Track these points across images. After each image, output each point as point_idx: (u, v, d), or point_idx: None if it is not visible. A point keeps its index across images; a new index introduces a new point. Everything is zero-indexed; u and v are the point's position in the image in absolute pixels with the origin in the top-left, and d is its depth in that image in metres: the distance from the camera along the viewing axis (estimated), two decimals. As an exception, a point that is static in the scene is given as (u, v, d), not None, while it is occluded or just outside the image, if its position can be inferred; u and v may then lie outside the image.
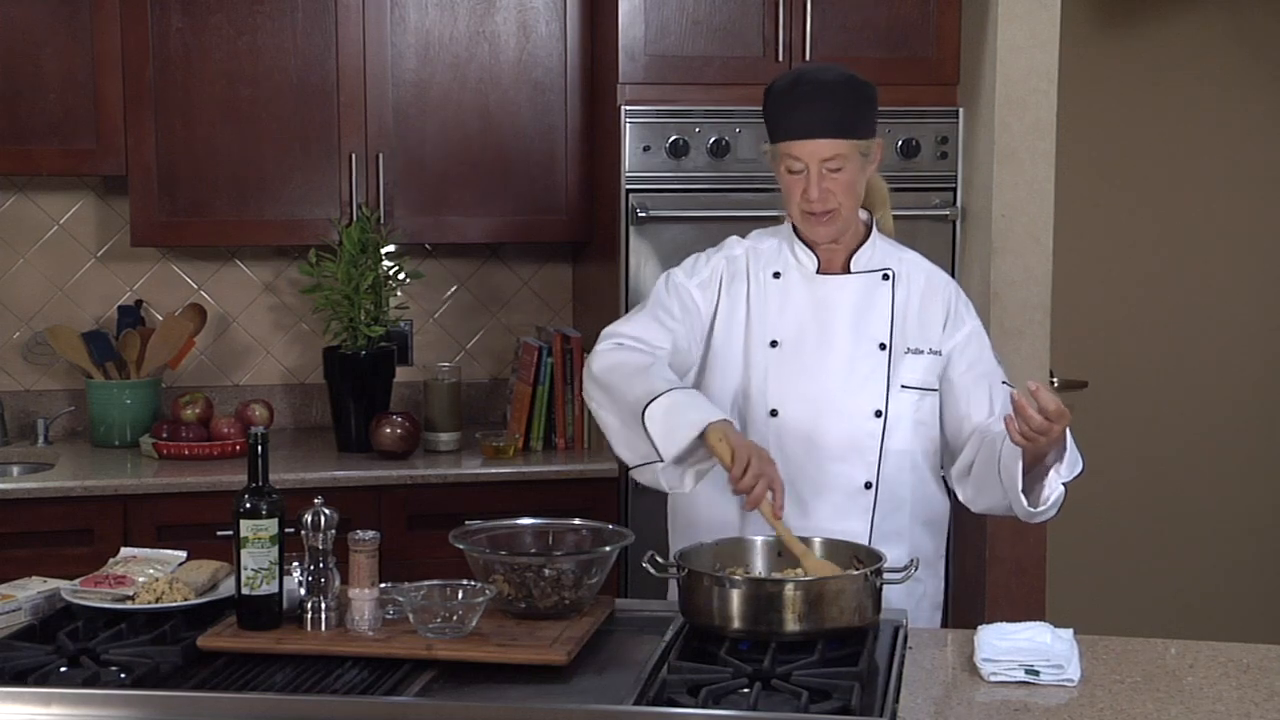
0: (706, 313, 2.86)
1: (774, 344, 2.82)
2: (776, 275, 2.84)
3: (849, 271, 2.84)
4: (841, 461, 2.80)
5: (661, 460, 2.63)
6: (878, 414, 2.80)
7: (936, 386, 2.85)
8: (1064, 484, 2.63)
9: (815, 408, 2.80)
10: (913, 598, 2.76)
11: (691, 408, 2.62)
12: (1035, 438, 2.50)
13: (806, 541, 2.61)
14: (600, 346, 2.81)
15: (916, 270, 2.88)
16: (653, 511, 3.73)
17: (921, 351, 2.83)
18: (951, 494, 2.94)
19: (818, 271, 2.83)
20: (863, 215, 2.86)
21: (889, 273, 2.84)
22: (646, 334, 2.81)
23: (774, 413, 2.80)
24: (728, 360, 2.85)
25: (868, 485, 2.81)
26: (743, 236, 2.94)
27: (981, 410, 2.82)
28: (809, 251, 2.84)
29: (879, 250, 2.86)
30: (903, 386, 2.82)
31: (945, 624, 2.97)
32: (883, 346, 2.81)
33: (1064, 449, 2.59)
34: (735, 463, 2.53)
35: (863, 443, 2.80)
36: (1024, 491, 2.61)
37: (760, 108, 3.91)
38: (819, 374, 2.80)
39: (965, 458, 2.81)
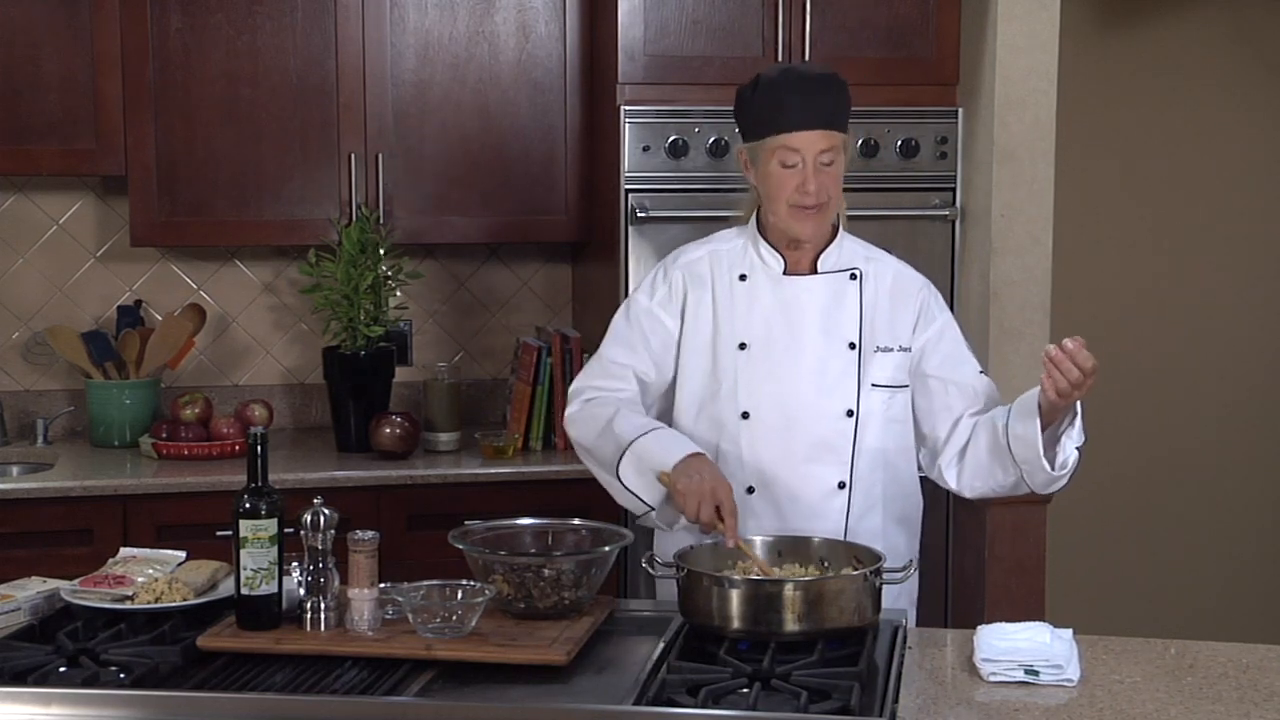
0: (674, 328, 2.88)
1: (742, 346, 2.82)
2: (743, 277, 2.85)
3: (816, 272, 2.84)
4: (815, 462, 2.81)
5: (653, 509, 2.76)
6: (849, 414, 2.81)
7: (907, 383, 2.86)
8: (1076, 448, 2.65)
9: (786, 409, 2.80)
10: (888, 597, 2.75)
11: (656, 454, 2.70)
12: (1069, 393, 2.51)
13: (805, 542, 2.63)
14: (569, 410, 2.91)
15: (884, 269, 2.88)
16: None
17: (891, 349, 2.84)
18: (926, 492, 2.95)
19: (784, 272, 2.84)
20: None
21: (856, 272, 2.85)
22: (606, 380, 2.89)
23: (745, 415, 2.81)
24: (696, 365, 2.86)
25: (841, 485, 2.81)
26: (701, 240, 2.95)
27: (960, 402, 2.82)
28: (775, 253, 2.84)
29: (846, 249, 2.86)
30: (873, 385, 2.82)
31: (920, 622, 2.97)
32: (852, 346, 2.82)
33: (1075, 415, 2.62)
34: (677, 500, 2.64)
35: (835, 443, 2.81)
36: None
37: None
38: (789, 375, 2.81)
39: (956, 443, 2.81)
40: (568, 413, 2.91)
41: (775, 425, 2.80)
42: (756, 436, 2.81)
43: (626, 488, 2.76)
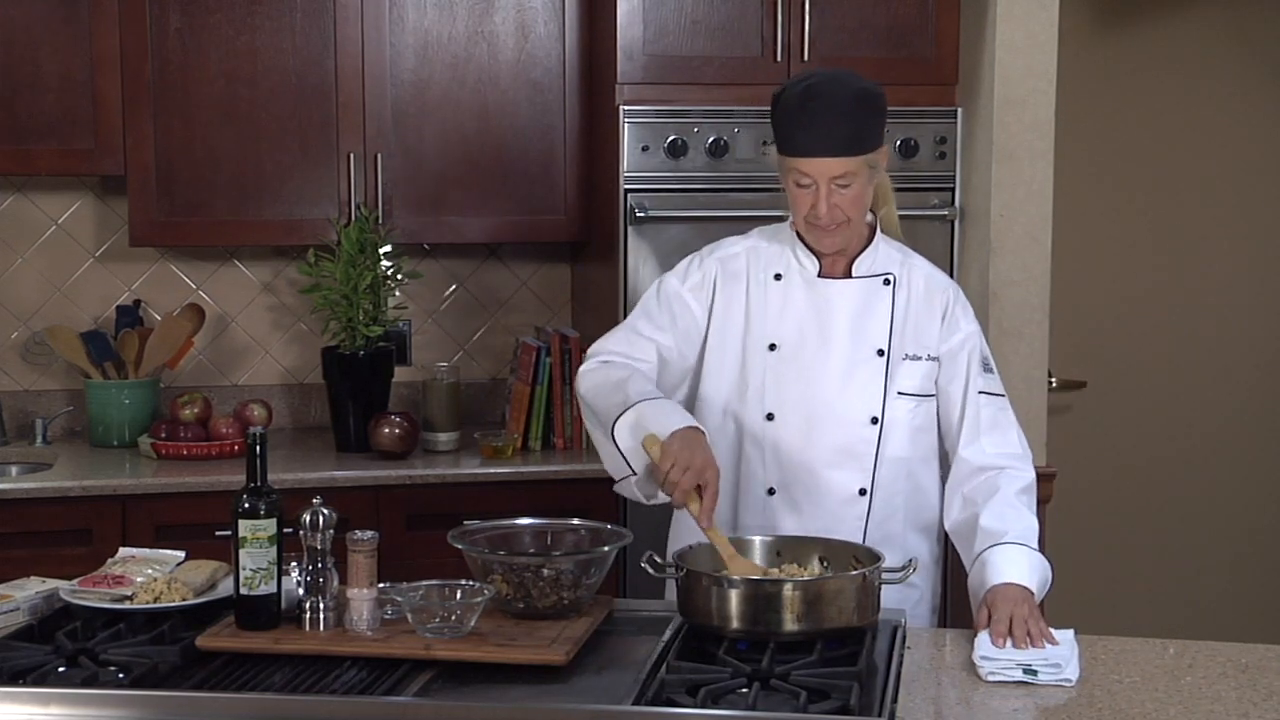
0: (700, 317, 2.86)
1: (772, 347, 2.81)
2: (778, 277, 2.83)
3: (850, 276, 2.82)
4: (836, 468, 2.79)
5: (634, 473, 2.68)
6: (874, 421, 2.79)
7: (933, 392, 2.84)
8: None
9: (811, 413, 2.79)
10: (908, 602, 2.75)
11: (657, 418, 2.62)
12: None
13: (803, 542, 2.62)
14: (584, 367, 2.85)
15: (917, 274, 2.85)
16: (651, 512, 3.72)
17: (920, 358, 2.81)
18: None
19: (819, 275, 2.82)
20: (867, 216, 2.85)
21: (890, 278, 2.83)
22: (630, 348, 2.84)
23: (770, 417, 2.80)
24: (724, 362, 2.84)
25: (862, 492, 2.80)
26: (742, 234, 2.93)
27: (954, 424, 2.82)
28: (811, 255, 2.82)
29: (881, 254, 2.84)
30: (899, 393, 2.80)
31: (941, 627, 2.97)
32: (881, 353, 2.80)
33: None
34: (663, 460, 2.54)
35: (858, 449, 2.79)
36: None
37: (758, 107, 3.89)
38: (816, 379, 2.79)
39: (952, 483, 2.82)
40: (582, 368, 2.85)
41: (799, 429, 2.79)
42: (780, 439, 2.79)
43: (618, 447, 2.67)
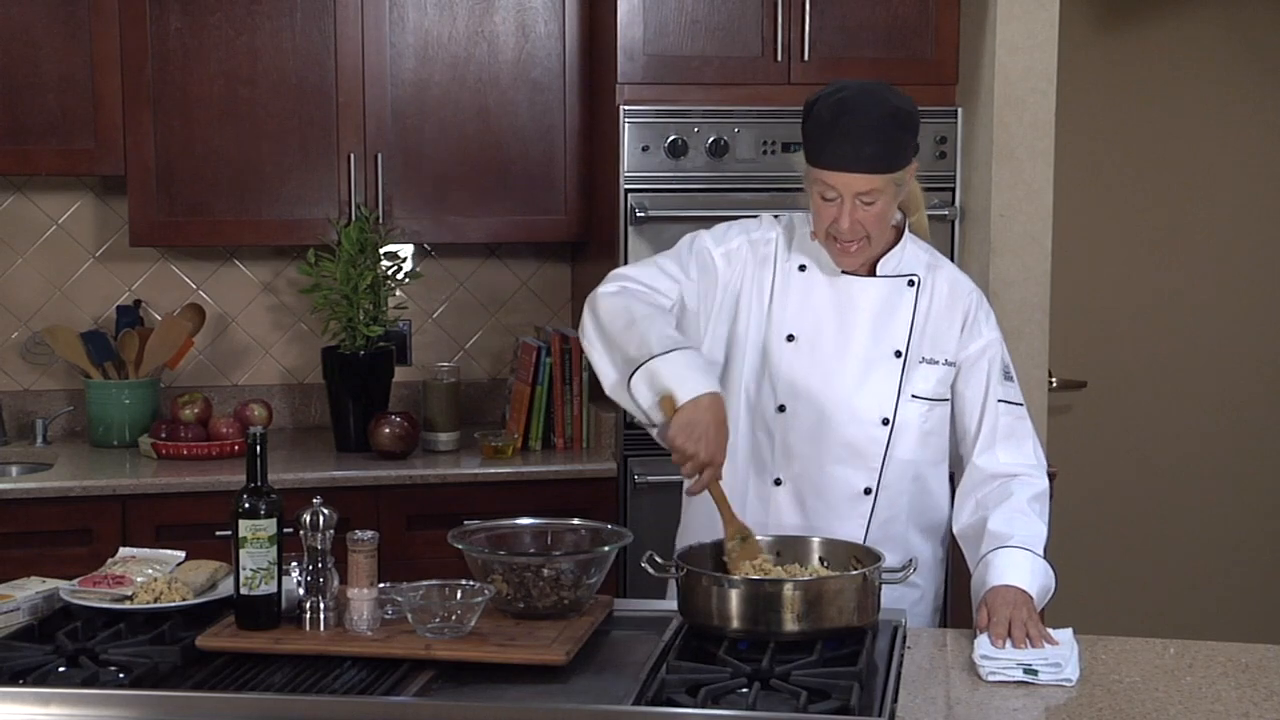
0: (726, 283, 2.81)
1: (790, 338, 2.81)
2: (802, 268, 2.82)
3: (874, 274, 2.82)
4: (844, 465, 2.79)
5: (655, 424, 2.63)
6: (885, 421, 2.79)
7: (948, 397, 2.84)
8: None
9: (823, 408, 2.78)
10: (907, 601, 2.76)
11: (671, 377, 2.57)
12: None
13: (805, 542, 2.63)
14: (604, 288, 2.75)
15: (942, 279, 2.85)
16: (652, 511, 3.73)
17: (936, 362, 2.81)
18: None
19: (843, 271, 2.82)
20: (895, 216, 2.82)
21: (914, 279, 2.82)
22: (654, 282, 2.77)
23: (782, 408, 2.80)
24: (745, 349, 2.83)
25: (867, 491, 2.80)
26: (777, 217, 2.89)
27: (971, 430, 2.82)
28: None
29: (908, 255, 2.83)
30: (913, 396, 2.79)
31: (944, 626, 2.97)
32: (898, 354, 2.79)
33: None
34: (672, 451, 2.54)
35: (866, 449, 2.79)
36: None
37: (758, 107, 3.90)
38: (831, 374, 2.79)
39: (965, 489, 2.81)
40: (601, 290, 2.74)
41: (809, 422, 2.78)
42: (790, 431, 2.79)
43: (633, 397, 2.62)
